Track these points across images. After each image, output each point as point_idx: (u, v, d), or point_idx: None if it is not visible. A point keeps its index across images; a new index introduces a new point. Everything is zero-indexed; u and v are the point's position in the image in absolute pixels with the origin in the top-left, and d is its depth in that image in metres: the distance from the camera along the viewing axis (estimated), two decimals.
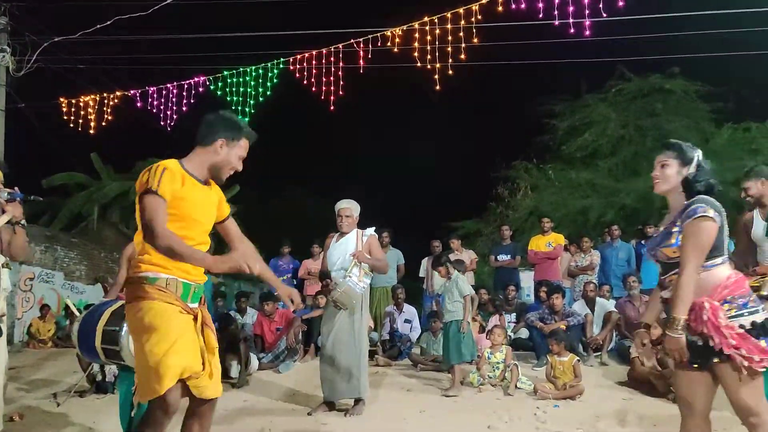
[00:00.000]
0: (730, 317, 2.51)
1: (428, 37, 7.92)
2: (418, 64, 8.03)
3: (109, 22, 9.14)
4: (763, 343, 2.47)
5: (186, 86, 8.99)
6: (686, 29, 9.74)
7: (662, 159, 2.82)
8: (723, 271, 2.62)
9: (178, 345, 2.52)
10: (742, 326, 2.49)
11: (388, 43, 8.12)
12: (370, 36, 8.22)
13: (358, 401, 5.09)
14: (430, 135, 25.39)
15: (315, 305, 8.08)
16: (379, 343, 7.83)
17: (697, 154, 2.77)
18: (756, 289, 4.22)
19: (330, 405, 5.14)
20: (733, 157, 13.45)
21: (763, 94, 14.06)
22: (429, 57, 7.98)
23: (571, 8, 7.21)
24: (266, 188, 20.40)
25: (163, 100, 9.06)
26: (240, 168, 2.85)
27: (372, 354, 7.73)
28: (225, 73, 8.86)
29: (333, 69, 8.41)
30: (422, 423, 4.89)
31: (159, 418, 2.50)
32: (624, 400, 5.49)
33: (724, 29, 9.33)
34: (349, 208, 5.25)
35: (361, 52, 8.18)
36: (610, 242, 9.14)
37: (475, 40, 7.81)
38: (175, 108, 9.01)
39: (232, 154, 2.78)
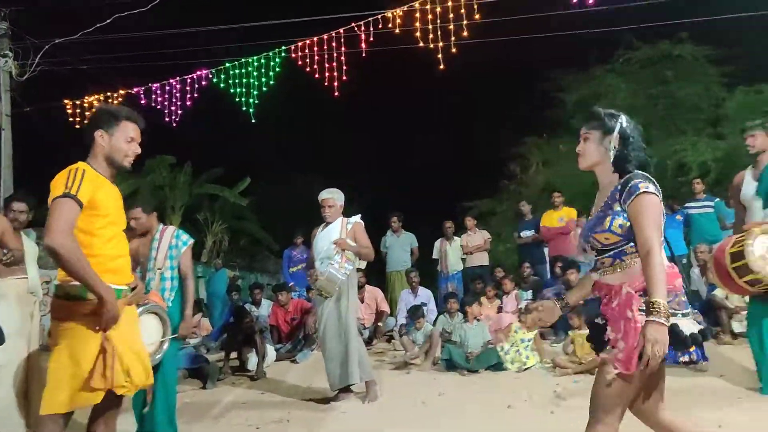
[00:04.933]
0: (641, 309, 2.20)
1: (429, 16, 7.79)
2: (421, 44, 7.91)
3: (108, 20, 9.10)
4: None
5: (189, 81, 8.94)
6: None
7: (583, 131, 2.53)
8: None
9: (79, 378, 2.55)
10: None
11: (389, 25, 8.00)
12: (370, 19, 8.10)
13: (369, 385, 5.08)
14: (437, 115, 25.21)
15: None
16: (395, 328, 7.83)
17: (620, 122, 2.46)
18: (739, 244, 4.07)
19: (348, 392, 5.12)
20: (747, 120, 13.14)
21: None
22: (431, 36, 7.86)
23: None
24: (276, 179, 20.36)
25: (166, 96, 9.04)
26: (136, 150, 2.86)
27: (389, 338, 7.75)
28: (227, 65, 8.80)
29: (335, 54, 8.31)
30: (441, 406, 4.87)
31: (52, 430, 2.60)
32: None
33: None
34: (331, 197, 5.25)
35: (363, 36, 8.07)
36: None
37: (477, 17, 7.68)
38: (179, 103, 8.98)
39: (116, 138, 2.79)
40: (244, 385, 6.12)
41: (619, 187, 2.36)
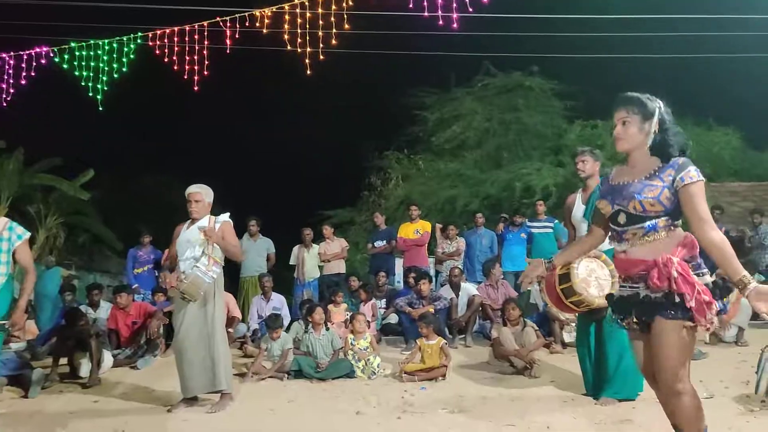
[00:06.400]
0: (696, 274, 2.44)
1: (299, 20, 7.70)
2: (288, 48, 7.79)
3: None
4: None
5: (25, 57, 8.00)
6: (546, 30, 10.38)
7: (622, 115, 2.60)
8: (681, 230, 2.55)
9: None
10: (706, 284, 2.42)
11: (257, 24, 7.78)
12: (237, 15, 7.83)
13: (224, 395, 4.85)
14: (301, 122, 25.10)
15: None
16: (247, 334, 7.58)
17: (658, 106, 2.57)
18: (566, 266, 4.37)
19: (192, 400, 4.85)
20: None
21: (608, 95, 15.38)
22: (299, 41, 7.77)
23: (440, 1, 7.31)
24: (123, 174, 18.99)
25: None
26: None
27: (241, 345, 7.48)
28: (73, 44, 8.01)
29: (197, 48, 7.92)
30: (290, 413, 4.77)
31: None
32: (486, 379, 5.74)
33: (579, 33, 10.06)
34: (199, 192, 4.97)
35: (228, 32, 7.77)
36: (474, 229, 9.55)
37: (347, 27, 7.72)
38: (12, 81, 8.00)
39: None
40: (75, 394, 5.55)
41: (675, 166, 2.51)
